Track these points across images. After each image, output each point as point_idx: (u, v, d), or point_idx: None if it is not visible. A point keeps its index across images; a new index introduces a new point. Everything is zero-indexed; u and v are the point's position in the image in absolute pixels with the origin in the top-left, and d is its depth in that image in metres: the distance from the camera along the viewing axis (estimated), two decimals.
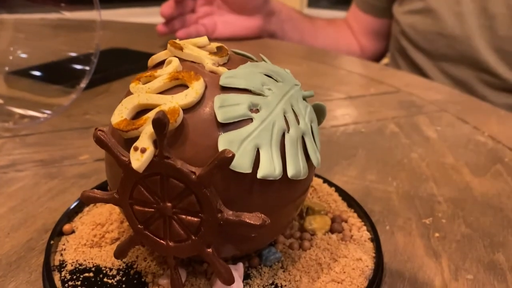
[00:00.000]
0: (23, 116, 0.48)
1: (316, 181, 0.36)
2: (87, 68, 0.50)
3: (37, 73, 0.55)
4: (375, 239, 0.29)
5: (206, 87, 0.23)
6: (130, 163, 0.21)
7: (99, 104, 0.54)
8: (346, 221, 0.31)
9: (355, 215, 0.32)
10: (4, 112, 0.49)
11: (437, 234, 0.33)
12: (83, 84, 0.50)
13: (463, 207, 0.36)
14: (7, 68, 0.55)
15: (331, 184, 0.36)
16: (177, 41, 0.25)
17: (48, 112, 0.48)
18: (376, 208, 0.35)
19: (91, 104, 0.54)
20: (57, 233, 0.29)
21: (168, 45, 0.25)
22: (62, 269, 0.27)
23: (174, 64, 0.24)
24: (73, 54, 0.56)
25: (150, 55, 0.27)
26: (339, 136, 0.48)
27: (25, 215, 0.33)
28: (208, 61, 0.24)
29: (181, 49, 0.24)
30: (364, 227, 0.31)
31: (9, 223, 0.32)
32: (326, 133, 0.48)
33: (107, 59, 0.61)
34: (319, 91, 0.61)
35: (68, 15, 0.58)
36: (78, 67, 0.53)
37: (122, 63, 0.62)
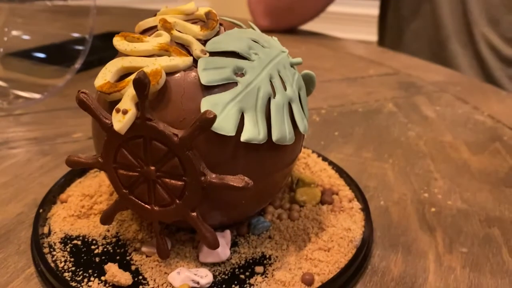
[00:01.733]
0: (18, 96, 0.48)
1: (312, 157, 0.35)
2: (82, 48, 0.50)
3: (32, 54, 0.55)
4: (365, 209, 0.29)
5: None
6: (112, 125, 0.21)
7: (94, 85, 0.53)
8: (337, 194, 0.31)
9: (347, 188, 0.32)
10: (0, 92, 0.49)
11: (432, 209, 0.32)
12: (77, 65, 0.49)
13: (460, 183, 0.35)
14: (1, 50, 0.55)
15: (325, 159, 0.35)
16: (167, 17, 0.25)
17: (43, 92, 0.48)
18: (371, 183, 0.35)
19: (87, 84, 0.53)
20: (48, 203, 0.29)
21: (159, 24, 0.24)
22: (50, 238, 0.26)
23: (165, 38, 0.23)
24: (70, 35, 0.56)
25: None
26: (336, 116, 0.47)
27: (17, 190, 0.33)
28: (197, 47, 0.23)
29: (170, 30, 0.24)
30: (355, 199, 0.30)
31: (0, 198, 0.32)
32: (323, 113, 0.48)
33: (103, 42, 0.60)
34: (317, 72, 0.59)
35: (64, 2, 0.58)
36: (74, 48, 0.52)
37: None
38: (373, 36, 0.91)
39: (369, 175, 0.36)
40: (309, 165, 0.34)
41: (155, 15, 0.26)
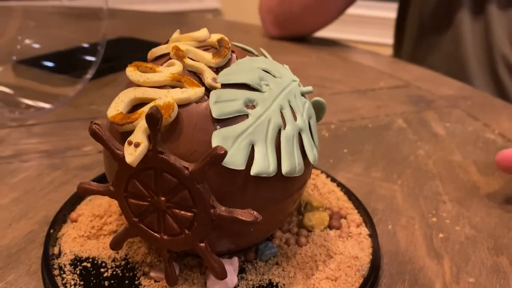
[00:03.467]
0: (29, 106, 0.49)
1: (320, 177, 0.36)
2: (94, 58, 0.50)
3: (44, 62, 0.56)
4: (373, 236, 0.29)
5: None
6: (124, 157, 0.21)
7: (105, 94, 0.54)
8: (345, 218, 0.31)
9: (355, 211, 0.32)
10: (11, 102, 0.49)
11: (440, 235, 0.32)
12: (89, 75, 0.50)
13: (469, 207, 0.35)
14: (14, 57, 0.55)
15: (334, 180, 0.35)
16: (180, 44, 0.25)
17: (54, 102, 0.48)
18: (380, 206, 0.35)
19: (98, 94, 0.54)
20: (58, 222, 0.30)
21: (171, 52, 0.24)
22: (60, 259, 0.27)
23: (178, 68, 0.23)
24: (81, 44, 0.56)
25: (157, 44, 0.26)
26: (346, 131, 0.47)
27: (27, 207, 0.33)
28: (208, 75, 0.23)
29: (183, 57, 0.24)
30: (363, 224, 0.30)
31: (11, 214, 0.33)
32: (332, 128, 0.48)
33: (114, 49, 0.60)
34: (327, 83, 0.60)
35: (76, 2, 0.58)
36: (85, 57, 0.53)
37: (130, 53, 0.62)
38: (390, 39, 0.90)
39: (378, 197, 0.36)
40: (318, 186, 0.34)
41: (167, 42, 0.26)
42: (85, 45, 0.55)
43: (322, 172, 0.36)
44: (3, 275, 0.27)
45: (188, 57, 0.24)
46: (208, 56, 0.24)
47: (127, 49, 0.65)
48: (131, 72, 0.23)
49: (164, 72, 0.23)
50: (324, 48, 0.76)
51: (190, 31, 0.27)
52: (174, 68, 0.23)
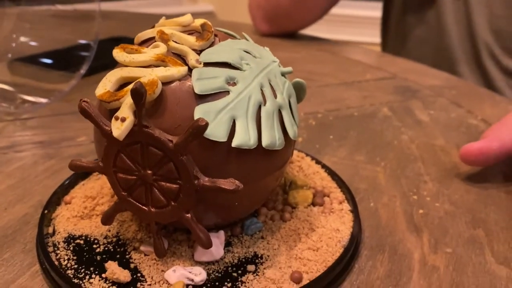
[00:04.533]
0: (24, 101, 0.50)
1: (305, 160, 0.37)
2: (87, 54, 0.52)
3: (39, 59, 0.57)
4: (355, 212, 0.30)
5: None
6: (112, 132, 0.22)
7: (95, 93, 0.55)
8: (328, 196, 0.32)
9: (338, 190, 0.33)
10: (7, 97, 0.50)
11: (420, 211, 0.33)
12: (83, 70, 0.51)
13: (449, 186, 0.37)
14: (10, 55, 0.57)
15: (318, 162, 0.37)
16: (164, 28, 0.26)
17: (49, 97, 0.49)
18: (362, 186, 0.36)
19: (91, 89, 0.54)
20: (52, 204, 0.31)
21: (156, 36, 0.25)
22: (54, 237, 0.28)
23: (162, 49, 0.24)
24: (76, 42, 0.58)
25: None
26: (332, 120, 0.49)
27: (23, 192, 0.35)
28: (192, 57, 0.24)
29: (167, 41, 0.25)
30: (346, 201, 0.32)
31: (7, 199, 0.34)
32: (319, 117, 0.49)
33: (108, 48, 0.62)
34: (315, 77, 0.61)
35: (71, 5, 0.59)
36: (79, 54, 0.54)
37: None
38: (378, 39, 0.92)
39: (361, 177, 0.37)
40: (303, 168, 0.35)
41: (153, 26, 0.27)
42: (82, 41, 0.56)
43: (307, 155, 0.38)
44: (0, 253, 0.28)
45: (173, 40, 0.25)
46: (191, 39, 0.25)
47: None
48: (118, 53, 0.24)
49: (149, 53, 0.24)
50: (314, 44, 0.78)
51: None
52: (158, 49, 0.24)
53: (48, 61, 0.57)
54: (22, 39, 0.58)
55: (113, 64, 0.25)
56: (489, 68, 0.70)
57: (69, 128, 0.46)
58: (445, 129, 0.47)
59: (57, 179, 0.36)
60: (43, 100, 0.49)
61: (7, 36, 0.57)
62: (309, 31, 0.82)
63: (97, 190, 0.32)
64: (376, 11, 1.02)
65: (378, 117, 0.49)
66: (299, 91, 0.29)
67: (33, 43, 0.59)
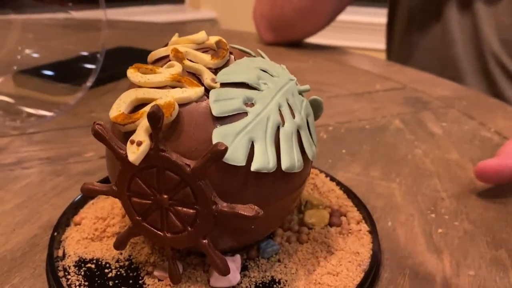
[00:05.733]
0: (30, 115, 0.49)
1: (320, 177, 0.36)
2: (94, 66, 0.51)
3: (44, 72, 0.56)
4: (373, 232, 0.29)
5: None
6: (127, 156, 0.21)
7: (105, 102, 0.54)
8: (345, 215, 0.31)
9: (355, 209, 0.32)
10: (12, 111, 0.50)
11: (439, 230, 0.32)
12: (89, 83, 0.50)
13: (466, 204, 0.36)
14: (15, 67, 0.56)
15: (333, 179, 0.36)
16: (179, 47, 0.25)
17: (55, 110, 0.49)
18: (379, 204, 0.35)
19: (98, 102, 0.54)
20: (62, 225, 0.30)
21: (171, 54, 0.25)
22: (65, 261, 0.27)
23: (177, 69, 0.24)
24: (81, 53, 0.57)
25: None
26: (343, 133, 0.48)
27: (31, 212, 0.34)
28: (207, 76, 0.24)
29: (182, 59, 0.24)
30: (363, 221, 0.31)
31: (15, 220, 0.33)
32: (330, 130, 0.48)
33: (114, 58, 0.61)
34: (324, 87, 0.61)
35: (75, 14, 0.59)
36: (85, 66, 0.53)
37: (129, 62, 0.62)
38: (382, 45, 0.91)
39: (377, 195, 0.37)
40: (317, 185, 0.35)
41: (166, 45, 0.27)
42: (85, 53, 0.56)
43: (321, 171, 0.37)
44: (8, 278, 0.27)
45: (187, 59, 0.25)
46: (207, 57, 0.25)
47: (126, 58, 0.66)
48: (132, 74, 0.23)
49: (164, 73, 0.23)
50: (320, 53, 0.77)
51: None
52: (173, 69, 0.24)
53: (53, 73, 0.56)
54: (27, 51, 0.57)
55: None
56: (497, 78, 0.69)
57: (76, 143, 0.45)
58: (458, 142, 0.46)
59: (66, 198, 0.35)
60: (49, 114, 0.48)
61: (12, 49, 0.56)
62: (314, 37, 0.81)
63: (107, 210, 0.31)
64: (381, 18, 1.02)
65: (390, 129, 0.49)
66: (316, 109, 0.28)
67: (38, 55, 0.58)
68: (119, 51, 0.69)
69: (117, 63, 0.62)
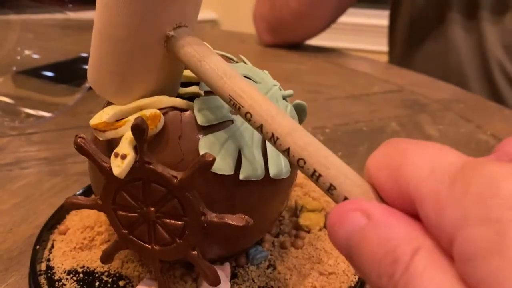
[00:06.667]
0: (29, 115, 0.49)
1: (312, 182, 0.36)
2: None
3: (43, 72, 0.57)
4: None
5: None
6: (111, 169, 0.21)
7: (104, 103, 0.54)
8: None
9: None
10: (11, 111, 0.50)
11: None
12: (87, 84, 0.50)
13: None
14: (14, 68, 0.56)
15: None
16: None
17: (54, 111, 0.49)
18: None
19: (96, 103, 0.54)
20: (46, 235, 0.30)
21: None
22: (50, 273, 0.27)
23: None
24: (80, 54, 0.57)
25: None
26: (340, 135, 0.48)
27: (28, 212, 0.34)
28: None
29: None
30: None
31: (12, 219, 0.33)
32: (327, 132, 0.48)
33: None
34: (322, 89, 0.61)
35: (75, 15, 0.59)
36: (84, 67, 0.53)
37: None
38: (384, 47, 0.91)
39: None
40: (311, 190, 0.35)
41: None
42: (84, 54, 0.56)
43: None
44: (4, 277, 0.28)
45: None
46: None
47: None
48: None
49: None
50: (319, 55, 0.77)
51: None
52: None
53: (53, 74, 0.57)
54: (27, 51, 0.58)
55: None
56: (500, 85, 0.69)
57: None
58: (454, 145, 0.45)
59: (63, 198, 0.35)
60: (47, 114, 0.49)
61: (12, 49, 0.56)
62: (315, 39, 0.81)
63: (93, 218, 0.31)
64: (382, 20, 1.01)
65: (387, 132, 0.49)
66: (300, 113, 0.28)
67: (37, 56, 0.58)
68: None
69: None
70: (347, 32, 1.79)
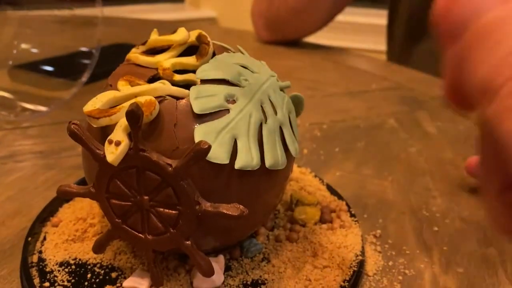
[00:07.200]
0: (25, 109, 0.49)
1: (308, 177, 0.36)
2: (89, 62, 0.51)
3: (40, 66, 0.56)
4: (363, 229, 0.29)
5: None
6: (105, 156, 0.21)
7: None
8: (334, 211, 0.31)
9: (345, 207, 0.32)
10: (7, 105, 0.50)
11: (430, 228, 0.32)
12: (84, 78, 0.50)
13: (458, 202, 0.36)
14: (10, 62, 0.56)
15: (321, 179, 0.36)
16: (163, 63, 0.25)
17: (50, 105, 0.49)
18: (370, 201, 0.35)
19: (92, 97, 0.54)
20: (38, 227, 0.29)
21: (160, 73, 0.24)
22: (42, 265, 0.26)
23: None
24: (76, 49, 0.57)
25: None
26: (337, 131, 0.48)
27: (21, 204, 0.34)
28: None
29: (171, 76, 0.24)
30: (354, 218, 0.31)
31: (5, 212, 0.33)
32: (324, 128, 0.48)
33: (110, 54, 0.61)
34: (320, 86, 0.60)
35: (73, 11, 0.59)
36: (81, 61, 0.53)
37: (125, 58, 0.62)
38: (383, 46, 0.90)
39: (369, 192, 0.36)
40: (306, 184, 0.34)
41: (144, 43, 0.26)
42: (81, 49, 0.56)
43: (310, 172, 0.37)
44: None
45: (175, 71, 0.24)
46: (192, 60, 0.25)
47: (123, 55, 0.65)
48: (123, 86, 0.23)
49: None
50: (317, 52, 0.77)
51: None
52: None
53: (49, 68, 0.56)
54: (24, 46, 0.57)
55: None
56: None
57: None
58: (453, 141, 0.46)
59: None
60: (43, 108, 0.48)
61: (8, 43, 0.56)
62: (313, 38, 0.81)
63: (86, 210, 0.30)
64: (381, 19, 1.01)
65: (385, 128, 0.48)
66: (297, 105, 0.28)
67: (34, 50, 0.58)
68: (116, 48, 0.69)
69: (113, 59, 0.62)
70: (346, 31, 1.79)
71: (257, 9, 0.78)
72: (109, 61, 0.60)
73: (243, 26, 0.95)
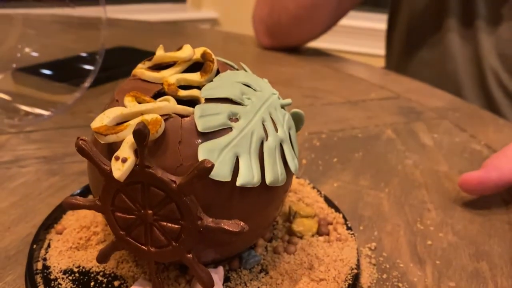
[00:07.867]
0: (28, 113, 0.50)
1: (306, 188, 0.37)
2: (92, 67, 0.52)
3: (43, 70, 0.57)
4: (359, 242, 0.30)
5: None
6: (111, 172, 0.21)
7: (103, 102, 0.54)
8: (331, 224, 0.32)
9: (341, 219, 0.33)
10: (10, 109, 0.50)
11: (424, 242, 0.33)
12: (87, 83, 0.51)
13: (452, 215, 0.36)
14: (14, 65, 0.57)
15: (319, 191, 0.36)
16: (169, 78, 0.25)
17: (53, 109, 0.49)
18: (366, 213, 0.36)
19: (96, 102, 0.55)
20: (43, 234, 0.30)
21: (165, 88, 0.25)
22: (46, 273, 0.27)
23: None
24: (81, 52, 0.57)
25: (155, 54, 0.27)
26: (336, 141, 0.48)
27: (26, 210, 0.35)
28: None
29: (176, 91, 0.25)
30: (350, 230, 0.32)
31: (10, 218, 0.34)
32: (323, 138, 0.49)
33: (113, 58, 0.62)
34: (319, 94, 0.61)
35: (76, 12, 0.59)
36: (84, 66, 0.54)
37: (128, 61, 0.63)
38: (382, 50, 0.91)
39: (365, 204, 0.37)
40: (304, 196, 0.35)
41: (150, 59, 0.27)
42: (84, 54, 0.56)
43: (309, 183, 0.37)
44: (2, 276, 0.28)
45: (179, 87, 0.25)
46: (197, 77, 0.25)
47: (125, 58, 0.66)
48: (130, 103, 0.24)
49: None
50: (317, 59, 0.78)
51: (187, 41, 0.28)
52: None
53: (52, 72, 0.57)
54: (27, 49, 0.58)
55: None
56: (495, 94, 0.69)
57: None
58: (448, 154, 0.46)
59: (61, 197, 0.36)
60: (47, 113, 0.49)
61: (12, 46, 0.57)
62: (314, 41, 0.82)
63: (90, 218, 0.31)
64: (381, 23, 1.02)
65: (382, 139, 0.49)
66: (297, 121, 0.29)
67: (37, 54, 0.59)
68: (118, 51, 0.69)
69: (116, 63, 0.63)
70: (346, 35, 1.80)
71: (258, 15, 0.79)
72: (112, 65, 0.61)
73: (244, 27, 0.96)
